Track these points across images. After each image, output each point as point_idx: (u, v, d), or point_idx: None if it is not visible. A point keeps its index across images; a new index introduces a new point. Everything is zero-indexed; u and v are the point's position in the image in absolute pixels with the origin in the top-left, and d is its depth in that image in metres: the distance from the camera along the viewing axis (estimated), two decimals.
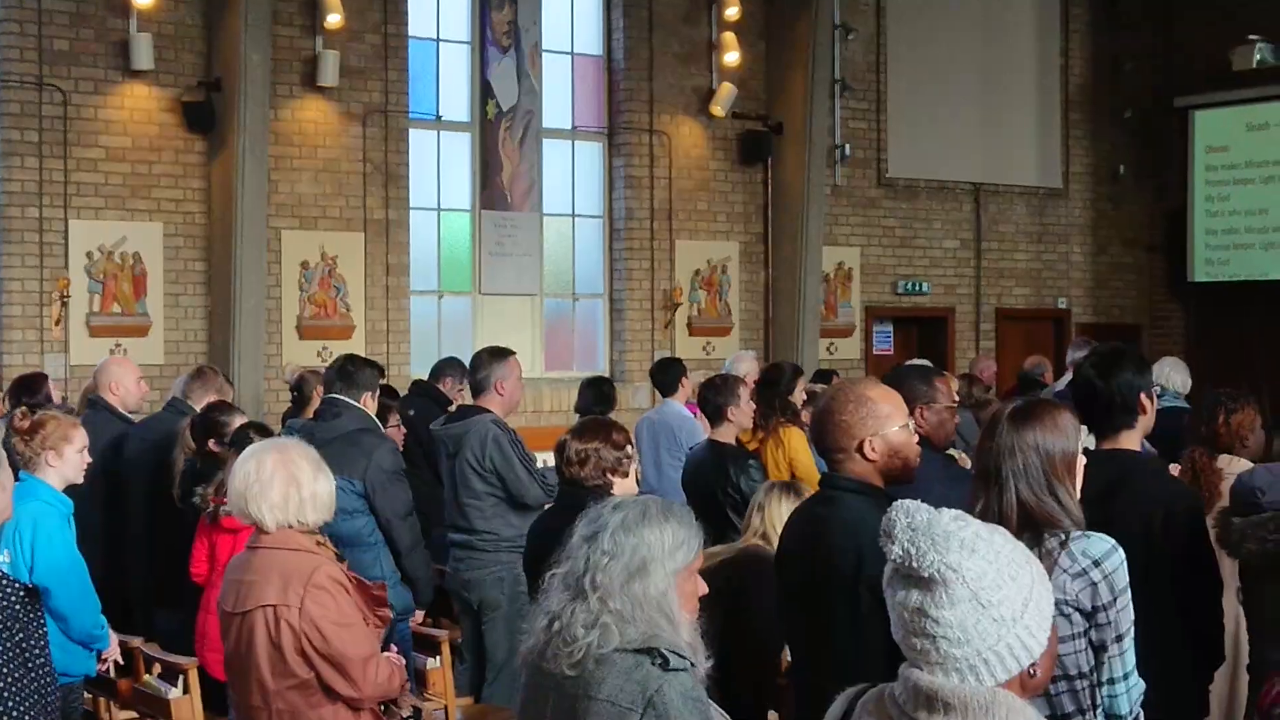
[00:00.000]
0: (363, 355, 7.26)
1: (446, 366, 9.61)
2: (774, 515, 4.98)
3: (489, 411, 6.71)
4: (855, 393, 3.86)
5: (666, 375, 9.13)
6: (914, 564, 2.35)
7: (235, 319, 11.70)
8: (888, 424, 3.80)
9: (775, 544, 4.42)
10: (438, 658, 6.61)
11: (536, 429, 11.47)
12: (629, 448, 4.85)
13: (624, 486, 4.71)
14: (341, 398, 6.48)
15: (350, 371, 6.58)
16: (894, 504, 2.43)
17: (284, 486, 3.97)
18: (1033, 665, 2.35)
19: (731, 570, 4.81)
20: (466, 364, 9.34)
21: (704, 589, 3.30)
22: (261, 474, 4.02)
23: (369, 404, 6.56)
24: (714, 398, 7.17)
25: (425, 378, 9.86)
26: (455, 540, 6.72)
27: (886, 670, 2.55)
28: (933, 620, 2.32)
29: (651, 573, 3.06)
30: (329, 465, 5.43)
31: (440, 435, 6.83)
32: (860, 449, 3.79)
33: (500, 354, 6.90)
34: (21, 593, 3.39)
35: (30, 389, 8.18)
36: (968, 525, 2.39)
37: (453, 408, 8.29)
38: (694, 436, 8.26)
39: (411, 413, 8.65)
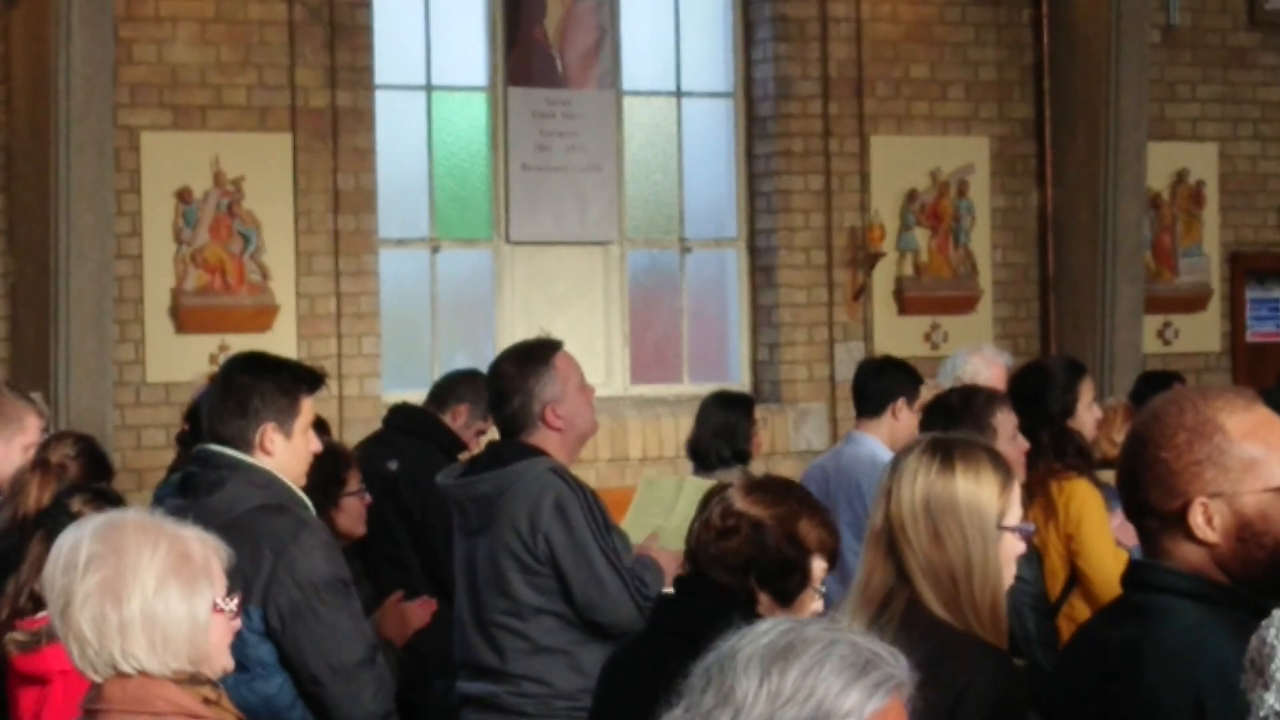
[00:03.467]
0: (270, 355, 5.95)
1: (458, 386, 8.81)
2: (907, 509, 4.01)
3: (543, 454, 5.98)
4: (1195, 411, 3.40)
5: (872, 383, 8.44)
6: None
7: (57, 297, 10.22)
8: (1246, 478, 3.36)
9: (918, 579, 3.97)
10: None
11: (618, 491, 9.67)
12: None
13: (807, 603, 4.44)
14: (223, 450, 5.45)
15: (238, 388, 5.59)
16: (1274, 615, 2.46)
17: (98, 597, 3.63)
18: None
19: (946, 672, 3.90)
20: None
21: None
22: (74, 572, 3.69)
23: (277, 452, 5.48)
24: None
25: (418, 402, 9.10)
26: (469, 694, 5.96)
27: None
28: None
29: None
30: None
31: (456, 494, 6.16)
32: (1183, 514, 3.43)
33: (536, 354, 6.19)
34: None
35: None
36: None
37: (466, 455, 7.87)
38: None
39: (394, 466, 8.16)
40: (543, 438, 6.11)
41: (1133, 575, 3.47)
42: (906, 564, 3.86)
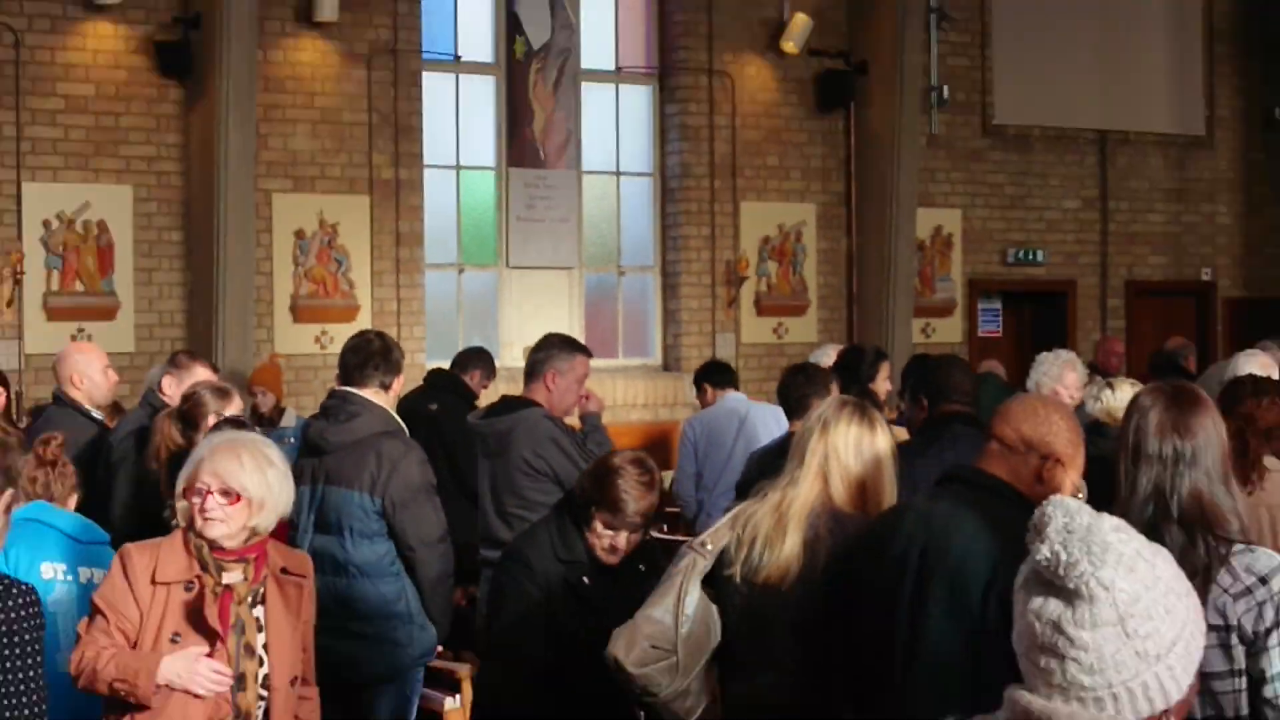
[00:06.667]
0: (374, 334, 6.85)
1: (473, 358, 9.93)
2: (840, 444, 4.68)
3: (536, 405, 6.87)
4: (1064, 413, 4.24)
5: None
6: (1061, 570, 2.41)
7: (218, 299, 11.95)
8: (1080, 458, 4.18)
9: (836, 485, 4.62)
10: (457, 696, 6.81)
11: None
12: None
13: None
14: (356, 391, 6.42)
15: (378, 351, 6.53)
16: (1052, 499, 2.50)
17: None
18: (1166, 712, 2.41)
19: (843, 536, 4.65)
20: (494, 355, 10.42)
21: None
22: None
23: (382, 398, 6.49)
24: (801, 386, 7.46)
25: (446, 366, 10.15)
26: (489, 559, 6.69)
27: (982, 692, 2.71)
28: (1068, 639, 2.38)
29: None
30: (340, 475, 6.08)
31: (482, 430, 6.96)
32: (1056, 460, 4.13)
33: (570, 344, 7.13)
34: (30, 593, 3.99)
35: None
36: (1130, 540, 2.45)
37: (478, 402, 8.78)
38: (754, 432, 8.89)
39: (434, 407, 8.94)
40: (539, 393, 6.94)
41: (959, 473, 4.24)
42: (831, 479, 4.60)
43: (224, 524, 4.49)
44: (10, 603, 3.91)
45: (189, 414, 6.57)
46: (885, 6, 14.56)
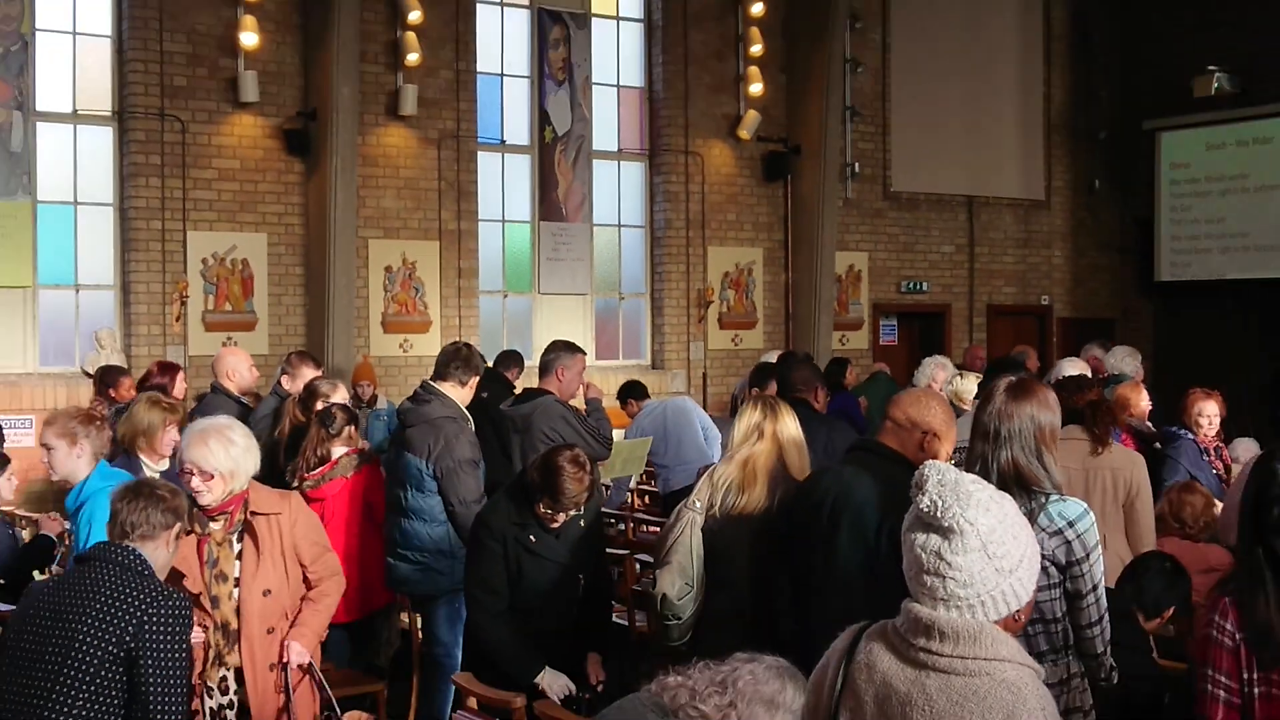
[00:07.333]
0: (462, 344, 6.46)
1: (511, 358, 9.81)
2: (788, 420, 4.63)
3: (550, 393, 6.77)
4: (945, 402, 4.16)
5: (636, 390, 9.45)
6: (938, 514, 2.43)
7: (329, 315, 11.97)
8: (952, 433, 4.05)
9: (788, 448, 4.56)
10: None
11: None
12: None
13: None
14: (434, 384, 6.22)
15: (463, 355, 6.31)
16: (928, 463, 2.53)
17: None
18: (1018, 611, 2.45)
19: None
20: (527, 357, 10.59)
21: None
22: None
23: (456, 391, 6.21)
24: (762, 370, 7.54)
25: (492, 365, 9.64)
26: None
27: (880, 601, 2.70)
28: (946, 563, 2.41)
29: None
30: (411, 444, 5.91)
31: (509, 414, 6.86)
32: (934, 434, 4.03)
33: (571, 347, 6.97)
34: (186, 602, 3.82)
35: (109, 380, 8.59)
36: (985, 489, 2.49)
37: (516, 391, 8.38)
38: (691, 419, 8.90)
39: (485, 395, 8.20)
40: (549, 382, 6.86)
41: (864, 444, 4.14)
42: (787, 453, 4.50)
43: (208, 494, 4.40)
44: (172, 603, 3.73)
45: (307, 400, 6.60)
46: (814, 105, 14.49)
